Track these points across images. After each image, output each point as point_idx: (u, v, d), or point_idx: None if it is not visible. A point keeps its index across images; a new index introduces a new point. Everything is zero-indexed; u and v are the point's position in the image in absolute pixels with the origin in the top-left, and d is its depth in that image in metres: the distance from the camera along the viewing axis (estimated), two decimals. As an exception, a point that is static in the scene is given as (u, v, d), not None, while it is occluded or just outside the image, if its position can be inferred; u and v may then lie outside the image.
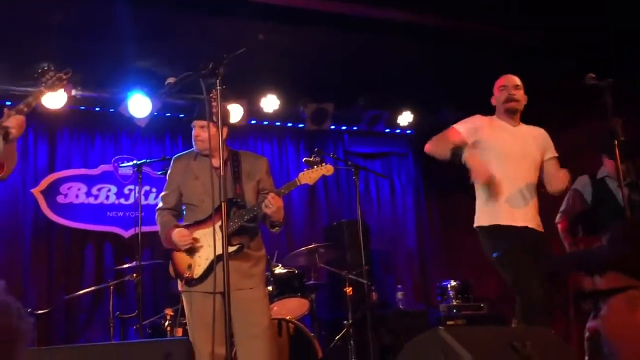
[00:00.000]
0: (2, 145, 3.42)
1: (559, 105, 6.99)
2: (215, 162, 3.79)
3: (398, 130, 8.75)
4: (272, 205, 3.92)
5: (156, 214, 4.28)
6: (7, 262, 6.71)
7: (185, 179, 4.17)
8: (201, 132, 4.07)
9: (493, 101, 4.58)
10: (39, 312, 6.03)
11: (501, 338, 2.35)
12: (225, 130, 4.11)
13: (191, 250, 4.06)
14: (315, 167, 4.18)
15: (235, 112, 7.17)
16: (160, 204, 4.27)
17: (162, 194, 4.30)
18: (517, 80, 4.52)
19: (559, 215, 5.61)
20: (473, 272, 8.32)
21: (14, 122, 3.36)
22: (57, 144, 7.25)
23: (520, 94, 4.49)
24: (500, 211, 4.34)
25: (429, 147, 4.62)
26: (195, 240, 4.03)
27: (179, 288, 4.17)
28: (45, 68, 6.25)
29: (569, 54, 6.54)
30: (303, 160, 4.48)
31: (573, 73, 4.73)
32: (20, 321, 1.00)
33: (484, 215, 4.46)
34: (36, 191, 6.96)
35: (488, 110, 4.62)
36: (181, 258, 4.08)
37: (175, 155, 4.37)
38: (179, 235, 4.01)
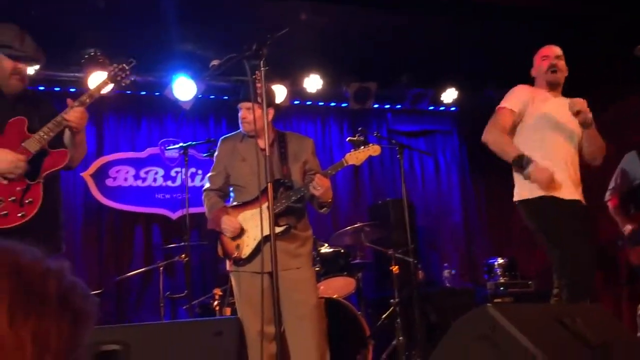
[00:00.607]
0: (69, 137, 3.50)
1: (604, 78, 6.84)
2: (262, 143, 3.82)
3: (442, 108, 8.68)
4: (320, 186, 3.94)
5: (203, 195, 4.34)
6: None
7: (232, 161, 4.22)
8: (247, 114, 4.10)
9: (533, 72, 4.48)
10: (91, 292, 6.16)
11: (551, 315, 2.33)
12: (271, 111, 4.14)
13: (240, 231, 4.11)
14: (363, 147, 4.18)
15: (279, 93, 7.20)
16: (207, 185, 4.33)
17: (209, 174, 4.35)
18: (559, 51, 4.41)
19: (608, 193, 5.51)
20: (520, 249, 8.25)
21: (74, 115, 3.41)
22: (104, 128, 7.38)
23: (562, 65, 4.38)
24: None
25: (486, 139, 4.44)
26: (243, 230, 4.09)
27: (228, 268, 4.24)
28: (92, 53, 6.39)
29: (616, 24, 6.38)
30: (347, 139, 4.48)
31: (619, 45, 4.62)
32: (86, 301, 1.04)
33: (527, 187, 4.28)
34: (86, 175, 7.10)
35: (531, 83, 4.54)
36: (230, 238, 4.14)
37: (222, 137, 4.42)
38: (229, 223, 4.07)
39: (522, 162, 4.17)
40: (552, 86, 4.38)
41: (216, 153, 4.35)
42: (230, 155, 4.25)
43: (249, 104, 4.01)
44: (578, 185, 4.27)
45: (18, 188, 3.21)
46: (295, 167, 4.20)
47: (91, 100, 3.54)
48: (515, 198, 4.43)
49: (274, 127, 4.32)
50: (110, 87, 3.96)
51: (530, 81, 4.53)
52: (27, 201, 3.22)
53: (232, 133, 4.41)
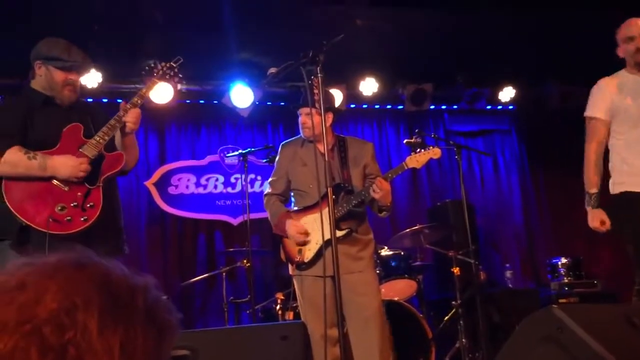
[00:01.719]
0: (120, 138, 3.59)
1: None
2: (322, 148, 3.85)
3: (500, 107, 8.57)
4: (380, 190, 3.96)
5: (264, 199, 4.40)
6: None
7: (294, 166, 4.27)
8: (307, 119, 4.14)
9: (620, 53, 4.14)
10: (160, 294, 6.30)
11: (619, 315, 2.29)
12: (330, 116, 4.18)
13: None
14: (423, 150, 4.18)
15: (336, 97, 7.23)
16: (269, 190, 4.39)
17: (270, 179, 4.41)
18: None
19: None
20: (584, 248, 8.08)
21: (131, 116, 3.51)
22: (166, 138, 7.54)
23: None
24: (633, 175, 4.02)
25: (586, 150, 4.37)
26: (307, 235, 4.13)
27: (290, 272, 4.29)
28: (152, 65, 6.52)
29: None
30: (404, 142, 4.50)
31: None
32: (170, 316, 1.10)
33: (614, 182, 4.14)
34: (149, 183, 7.27)
35: (593, 79, 4.37)
36: (292, 243, 4.19)
37: (283, 142, 4.48)
38: (295, 229, 4.12)
39: (589, 200, 4.24)
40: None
41: (277, 158, 4.41)
42: (291, 161, 4.30)
43: (309, 110, 4.05)
44: None
45: (79, 193, 3.28)
46: (355, 171, 4.22)
47: (142, 101, 3.61)
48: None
49: (333, 131, 4.36)
50: (160, 87, 3.97)
51: (591, 73, 4.35)
52: (88, 205, 3.28)
53: (293, 138, 4.46)
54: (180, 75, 4.01)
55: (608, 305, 4.44)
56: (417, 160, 4.17)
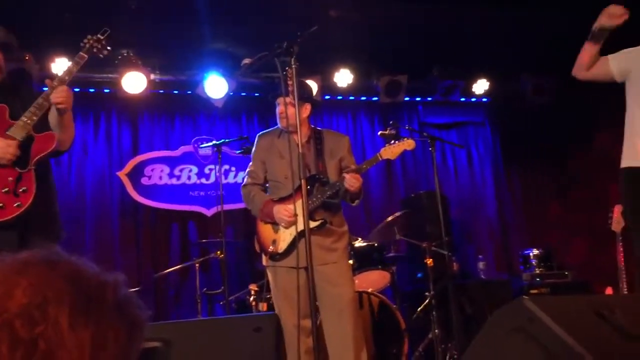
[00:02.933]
0: (56, 117, 3.40)
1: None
2: (298, 139, 3.85)
3: (474, 99, 8.61)
4: (355, 183, 3.98)
5: (244, 190, 4.38)
6: (97, 243, 6.98)
7: (270, 156, 4.26)
8: (284, 109, 4.13)
9: None
10: (130, 290, 6.26)
11: (589, 306, 2.32)
12: (308, 107, 4.19)
13: (276, 226, 4.15)
14: (397, 141, 4.20)
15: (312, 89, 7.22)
16: (248, 180, 4.37)
17: (248, 170, 4.40)
18: None
19: None
20: (556, 239, 8.18)
21: (59, 94, 3.30)
22: (139, 128, 7.47)
23: None
24: (632, 149, 3.83)
25: (574, 72, 4.10)
26: (278, 226, 4.12)
27: (264, 263, 4.28)
28: (125, 54, 6.47)
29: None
30: (378, 133, 4.50)
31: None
32: (140, 312, 1.11)
33: (624, 155, 3.89)
34: (122, 174, 7.21)
35: (567, 73, 4.37)
36: (266, 233, 4.18)
37: (260, 133, 4.47)
38: (283, 212, 4.09)
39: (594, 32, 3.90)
40: None
41: (254, 149, 4.40)
42: (268, 151, 4.30)
43: (287, 99, 4.04)
44: None
45: (10, 178, 3.14)
46: (331, 163, 4.23)
47: (70, 77, 3.44)
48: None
49: (309, 123, 4.35)
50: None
51: (567, 67, 4.31)
52: (21, 190, 3.14)
53: (270, 129, 4.46)
54: (109, 48, 3.85)
55: (578, 296, 4.49)
56: (391, 151, 4.18)
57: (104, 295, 1.04)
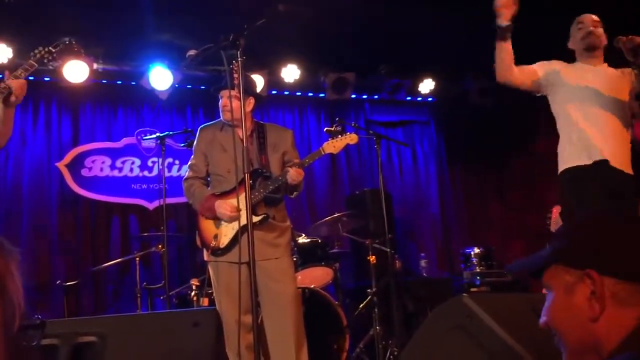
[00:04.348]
0: (1, 109, 3.41)
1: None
2: (241, 132, 3.81)
3: (419, 98, 8.69)
4: (297, 177, 3.97)
5: (185, 184, 4.32)
6: (35, 235, 6.81)
7: (212, 149, 4.22)
8: (228, 102, 4.09)
9: (570, 44, 4.25)
10: (68, 283, 6.14)
11: (525, 304, 2.35)
12: (252, 100, 4.16)
13: (217, 221, 4.11)
14: (340, 136, 4.20)
15: (258, 83, 7.17)
16: (190, 173, 4.31)
17: (190, 163, 4.34)
18: (595, 17, 4.17)
19: None
20: (496, 239, 8.34)
21: (16, 83, 3.36)
22: (80, 118, 7.31)
23: (599, 31, 4.14)
24: (573, 152, 4.01)
25: (498, 77, 4.21)
26: (220, 220, 4.08)
27: (205, 258, 4.24)
28: (67, 42, 6.30)
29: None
30: (325, 130, 4.50)
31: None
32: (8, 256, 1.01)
33: (559, 160, 4.10)
34: (61, 165, 7.03)
35: None
36: (208, 228, 4.14)
37: (201, 126, 4.42)
38: (226, 207, 4.04)
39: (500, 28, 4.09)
40: (590, 53, 4.16)
41: (195, 142, 4.34)
42: (210, 144, 4.25)
43: (229, 92, 4.00)
44: (617, 150, 3.98)
45: None
46: (274, 157, 4.21)
47: (26, 74, 3.51)
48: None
49: (253, 117, 4.32)
50: (81, 73, 3.87)
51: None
52: None
53: (212, 122, 4.40)
54: (59, 62, 3.92)
55: (516, 294, 4.58)
56: (334, 145, 4.19)
57: None
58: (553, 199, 5.19)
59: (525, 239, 8.19)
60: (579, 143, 4.00)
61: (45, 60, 3.78)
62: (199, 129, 4.40)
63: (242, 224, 3.80)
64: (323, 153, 4.21)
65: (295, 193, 4.20)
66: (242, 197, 3.72)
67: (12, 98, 3.38)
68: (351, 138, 4.24)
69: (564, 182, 4.05)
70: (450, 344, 2.22)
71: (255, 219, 3.89)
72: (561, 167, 4.07)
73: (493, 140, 8.63)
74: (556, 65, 4.20)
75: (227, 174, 4.12)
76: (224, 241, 4.07)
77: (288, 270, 4.19)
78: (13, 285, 0.98)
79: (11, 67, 6.40)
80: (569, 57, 4.29)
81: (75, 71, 6.57)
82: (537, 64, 4.22)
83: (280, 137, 4.29)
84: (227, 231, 4.08)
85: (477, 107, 8.35)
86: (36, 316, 1.17)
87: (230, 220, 4.04)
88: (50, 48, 3.75)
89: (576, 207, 3.93)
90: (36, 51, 3.74)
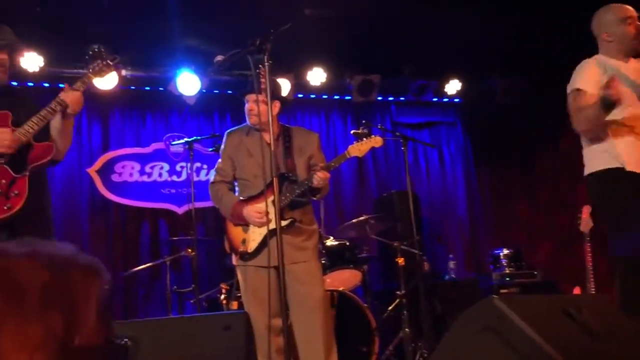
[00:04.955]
0: (59, 121, 3.50)
1: None
2: (268, 137, 3.84)
3: (446, 99, 8.66)
4: (322, 180, 3.98)
5: (212, 188, 4.35)
6: (66, 240, 6.87)
7: (239, 154, 4.24)
8: (254, 106, 4.10)
9: (607, 36, 3.94)
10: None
11: (556, 305, 2.34)
12: (277, 104, 4.18)
13: (246, 226, 4.14)
14: (365, 139, 4.20)
15: (284, 87, 7.20)
16: (216, 177, 4.34)
17: (217, 167, 4.37)
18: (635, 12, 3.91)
19: None
20: (525, 239, 8.27)
21: (72, 97, 3.43)
22: (110, 124, 7.40)
23: None
24: (626, 153, 3.76)
25: (578, 128, 3.89)
26: (248, 225, 4.10)
27: (234, 262, 4.26)
28: (96, 50, 6.39)
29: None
30: (351, 132, 4.49)
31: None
32: (84, 276, 1.02)
33: (601, 157, 3.85)
34: (92, 171, 7.13)
35: (538, 75, 4.41)
36: (236, 233, 4.16)
37: (228, 130, 4.44)
38: (255, 213, 4.06)
39: (605, 101, 3.62)
40: (630, 53, 3.89)
41: (222, 147, 4.37)
42: (236, 149, 4.27)
43: (255, 97, 4.03)
44: None
45: (3, 181, 3.18)
46: (300, 161, 4.22)
47: (83, 88, 3.58)
48: (587, 171, 3.98)
49: (279, 121, 4.34)
50: (110, 80, 3.96)
51: (537, 67, 4.25)
52: (13, 194, 3.17)
53: (238, 126, 4.43)
54: (117, 74, 4.00)
55: (546, 296, 4.53)
56: (359, 149, 4.19)
57: (27, 285, 0.93)
58: (582, 198, 5.15)
59: (555, 239, 8.12)
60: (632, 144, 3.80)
61: (103, 73, 3.85)
62: (225, 133, 4.43)
63: (270, 228, 3.82)
64: (348, 156, 4.21)
65: (319, 195, 4.21)
66: (269, 201, 3.75)
67: (69, 110, 3.46)
68: (376, 141, 4.23)
69: (608, 182, 3.88)
70: (481, 346, 2.22)
71: (283, 223, 3.91)
72: (600, 165, 3.88)
73: (520, 140, 8.57)
74: (599, 76, 3.84)
75: (253, 178, 4.14)
76: (252, 246, 4.09)
77: (316, 273, 4.20)
78: (86, 307, 0.98)
79: (42, 75, 6.57)
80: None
81: (105, 78, 6.65)
82: (589, 88, 3.82)
83: (306, 141, 4.30)
84: (255, 236, 4.10)
85: (503, 107, 8.30)
86: (124, 340, 1.18)
87: (261, 225, 4.07)
88: (108, 61, 3.81)
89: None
90: (95, 64, 3.79)
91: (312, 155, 4.26)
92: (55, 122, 3.51)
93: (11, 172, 3.22)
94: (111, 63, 3.84)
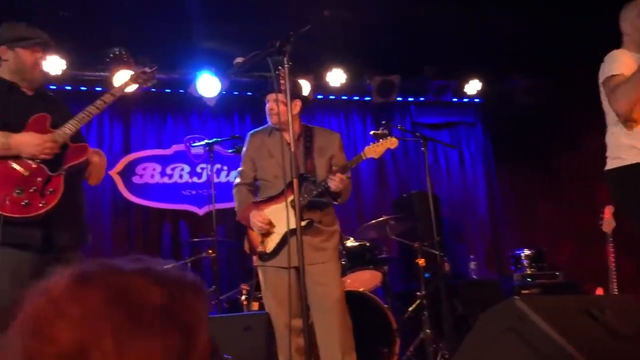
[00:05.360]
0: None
1: None
2: (288, 137, 3.85)
3: (466, 100, 8.63)
4: (338, 184, 3.98)
5: (234, 190, 4.39)
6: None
7: (260, 155, 4.26)
8: (274, 106, 4.12)
9: (630, 31, 3.86)
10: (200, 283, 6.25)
11: (579, 306, 2.33)
12: (298, 103, 4.18)
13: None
14: (381, 140, 4.20)
15: (304, 88, 7.20)
16: (238, 179, 4.38)
17: (239, 169, 4.41)
18: None
19: None
20: (546, 240, 8.21)
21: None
22: (131, 126, 7.45)
23: None
24: None
25: (619, 107, 3.72)
26: (271, 225, 4.12)
27: (254, 263, 4.28)
28: (117, 52, 6.46)
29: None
30: (370, 133, 4.49)
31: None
32: (196, 299, 1.02)
33: (630, 152, 3.75)
34: (113, 173, 7.18)
35: (559, 74, 4.37)
36: (255, 233, 4.18)
37: (250, 132, 4.47)
38: (258, 218, 4.10)
39: None
40: None
41: (244, 148, 4.40)
42: (258, 150, 4.29)
43: (276, 96, 4.04)
44: None
45: (39, 179, 3.22)
46: (320, 161, 4.22)
47: (113, 99, 3.64)
48: (609, 166, 3.88)
49: (300, 121, 4.35)
50: (132, 87, 4.01)
51: (558, 66, 4.21)
52: (48, 191, 3.22)
53: (260, 128, 4.44)
54: (154, 82, 4.07)
55: (568, 296, 4.49)
56: (374, 150, 4.18)
57: (148, 302, 0.94)
58: (604, 198, 5.10)
59: (577, 239, 8.05)
60: None
61: (141, 81, 3.93)
62: (248, 134, 4.45)
63: (288, 228, 3.83)
64: (364, 157, 4.20)
65: (339, 199, 4.20)
66: (289, 201, 3.76)
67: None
68: (391, 142, 4.22)
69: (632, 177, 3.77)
70: (503, 347, 2.21)
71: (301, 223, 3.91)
72: (631, 160, 3.77)
73: (541, 140, 8.51)
74: (632, 61, 3.74)
75: (273, 179, 4.15)
76: (271, 246, 4.10)
77: (334, 275, 4.18)
78: (199, 326, 0.99)
79: (64, 78, 6.63)
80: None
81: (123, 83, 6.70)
82: (625, 71, 3.71)
83: (327, 141, 4.30)
84: (274, 236, 4.11)
85: (523, 107, 8.25)
86: (225, 355, 1.19)
87: (259, 231, 4.10)
88: (146, 69, 3.91)
89: None
90: (133, 73, 3.89)
91: (333, 156, 4.26)
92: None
93: (47, 170, 3.27)
94: (149, 71, 3.92)
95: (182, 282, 1.01)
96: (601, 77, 3.86)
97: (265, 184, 4.26)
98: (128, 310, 0.92)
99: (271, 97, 4.17)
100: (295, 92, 4.17)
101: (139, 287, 0.96)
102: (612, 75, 3.75)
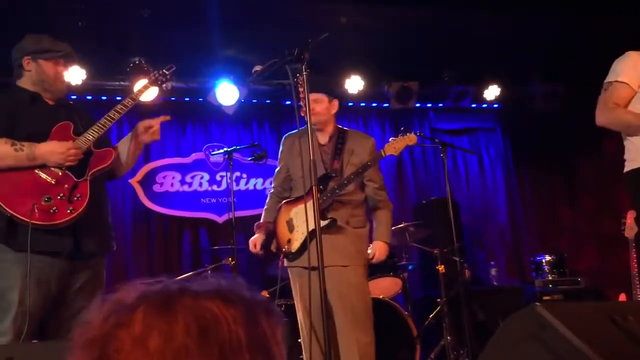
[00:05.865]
0: (133, 145, 3.69)
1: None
2: (321, 138, 3.94)
3: (485, 105, 8.58)
4: (380, 255, 4.31)
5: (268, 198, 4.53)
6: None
7: (291, 156, 4.32)
8: (314, 106, 4.12)
9: None
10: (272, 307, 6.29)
11: (602, 312, 2.31)
12: (335, 103, 4.24)
13: (291, 226, 4.17)
14: (400, 136, 4.22)
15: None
16: (272, 185, 4.55)
17: (275, 174, 4.52)
18: None
19: None
20: (568, 245, 8.15)
21: (156, 133, 3.74)
22: (151, 135, 7.49)
23: None
24: None
25: (601, 122, 3.73)
26: (293, 225, 4.15)
27: (284, 264, 4.28)
28: (137, 62, 6.50)
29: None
30: (390, 139, 4.49)
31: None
32: (274, 327, 0.98)
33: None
34: (134, 181, 7.24)
35: (577, 80, 4.34)
36: (283, 233, 4.22)
37: (286, 134, 4.54)
38: (252, 240, 4.33)
39: None
40: None
41: (280, 151, 4.47)
42: (289, 152, 4.36)
43: (316, 96, 4.09)
44: None
45: (66, 185, 3.27)
46: (348, 162, 4.23)
47: (134, 103, 3.70)
48: (628, 167, 3.79)
49: (335, 122, 4.39)
50: (151, 90, 4.04)
51: (577, 71, 4.16)
52: (75, 197, 3.26)
53: (296, 130, 4.45)
54: (172, 84, 4.10)
55: (591, 302, 4.45)
56: (394, 147, 4.20)
57: (234, 338, 0.90)
58: (626, 203, 5.05)
59: (598, 245, 7.98)
60: None
61: (159, 82, 3.98)
62: (283, 137, 4.53)
63: (310, 229, 3.83)
64: (384, 155, 4.22)
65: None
66: (309, 203, 3.77)
67: (148, 141, 3.75)
68: (410, 139, 4.24)
69: None
70: (524, 354, 2.20)
71: (322, 223, 3.90)
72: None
73: (561, 145, 8.46)
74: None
75: (300, 179, 4.18)
76: (295, 246, 4.12)
77: (353, 282, 4.10)
78: (278, 351, 0.96)
79: (84, 88, 6.70)
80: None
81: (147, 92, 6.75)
82: (633, 83, 3.67)
83: (359, 144, 4.31)
84: (298, 236, 4.12)
85: (543, 112, 8.20)
86: None
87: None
88: (164, 70, 3.92)
89: None
90: (152, 74, 3.94)
91: (362, 161, 4.22)
92: (125, 144, 3.68)
93: (73, 177, 3.31)
94: (167, 72, 3.94)
95: (256, 305, 0.97)
96: (608, 77, 3.79)
97: (294, 184, 4.34)
98: (216, 344, 0.88)
99: (311, 96, 4.18)
100: (335, 91, 4.22)
101: (224, 317, 0.91)
102: (616, 82, 3.69)
